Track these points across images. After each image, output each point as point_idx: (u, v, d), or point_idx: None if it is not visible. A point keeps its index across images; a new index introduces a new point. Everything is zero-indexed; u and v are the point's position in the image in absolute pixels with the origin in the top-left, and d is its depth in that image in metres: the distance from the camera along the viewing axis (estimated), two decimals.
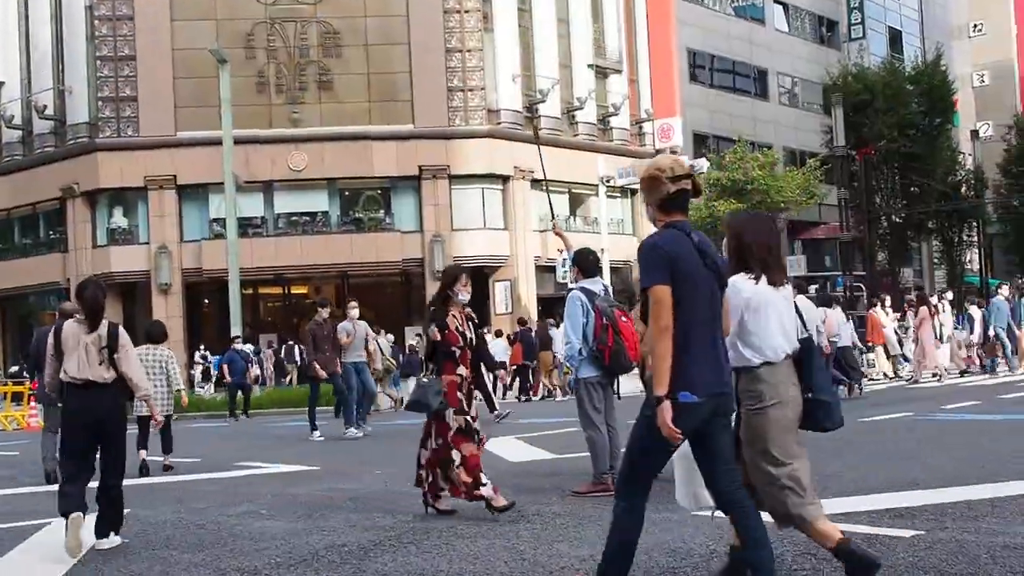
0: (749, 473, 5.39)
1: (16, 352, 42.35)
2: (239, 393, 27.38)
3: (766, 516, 5.34)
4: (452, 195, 40.76)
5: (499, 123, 41.58)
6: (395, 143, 40.13)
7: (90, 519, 8.11)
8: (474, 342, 8.95)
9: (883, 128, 50.95)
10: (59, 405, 8.58)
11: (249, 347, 31.63)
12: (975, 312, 27.26)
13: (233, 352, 27.64)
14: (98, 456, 8.20)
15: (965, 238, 60.49)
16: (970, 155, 60.87)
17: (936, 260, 62.92)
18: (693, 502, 5.74)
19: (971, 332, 27.54)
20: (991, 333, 25.54)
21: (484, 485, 8.49)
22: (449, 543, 7.46)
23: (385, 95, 40.84)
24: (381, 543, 7.59)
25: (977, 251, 59.06)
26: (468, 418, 8.68)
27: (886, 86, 52.60)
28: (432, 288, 39.72)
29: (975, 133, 62.49)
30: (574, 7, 45.60)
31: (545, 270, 41.33)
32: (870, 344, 28.09)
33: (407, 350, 30.69)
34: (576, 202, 44.16)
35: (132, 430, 14.00)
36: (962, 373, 26.13)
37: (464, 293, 8.97)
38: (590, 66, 46.02)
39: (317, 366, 17.74)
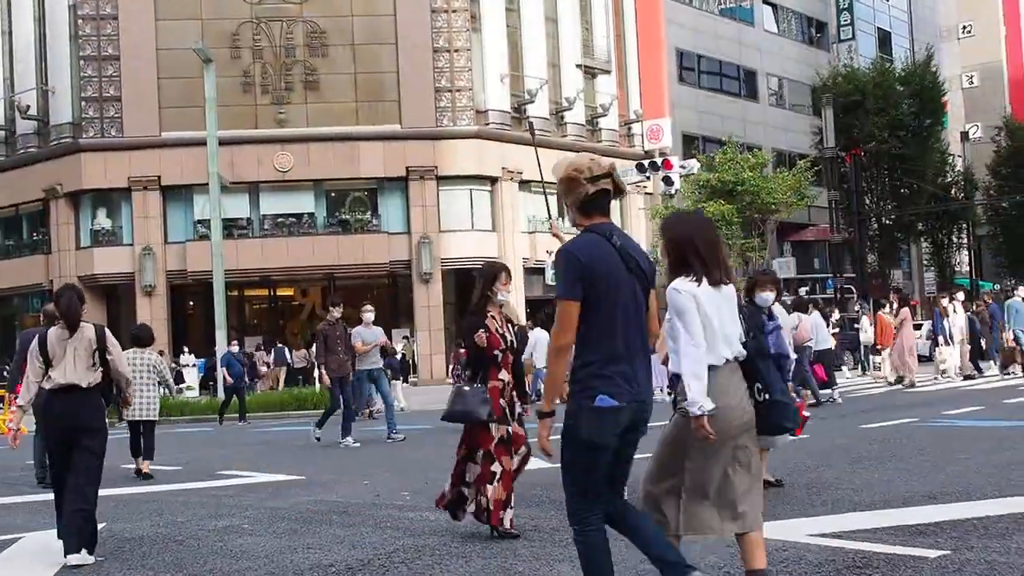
0: (654, 474, 5.26)
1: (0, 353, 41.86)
2: (234, 397, 26.75)
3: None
4: (440, 196, 40.32)
5: (487, 124, 41.18)
6: (382, 144, 39.70)
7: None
8: (515, 345, 8.23)
9: (874, 129, 50.72)
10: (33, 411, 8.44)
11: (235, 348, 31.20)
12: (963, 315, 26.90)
13: (229, 355, 27.04)
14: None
15: (955, 240, 60.42)
16: (960, 157, 60.76)
17: (926, 262, 62.76)
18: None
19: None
20: (1008, 336, 25.31)
21: (512, 507, 7.86)
22: (442, 563, 7.02)
23: (372, 95, 40.43)
24: (370, 562, 7.15)
25: (967, 253, 58.94)
26: (510, 428, 7.98)
27: (876, 87, 52.36)
28: (419, 290, 39.51)
29: (965, 135, 62.40)
30: (562, 7, 45.23)
31: (533, 272, 40.91)
32: (879, 347, 27.71)
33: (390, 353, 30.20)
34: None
35: (123, 435, 13.79)
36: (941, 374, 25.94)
37: (504, 292, 8.26)
38: (578, 66, 45.67)
39: (324, 372, 17.11)
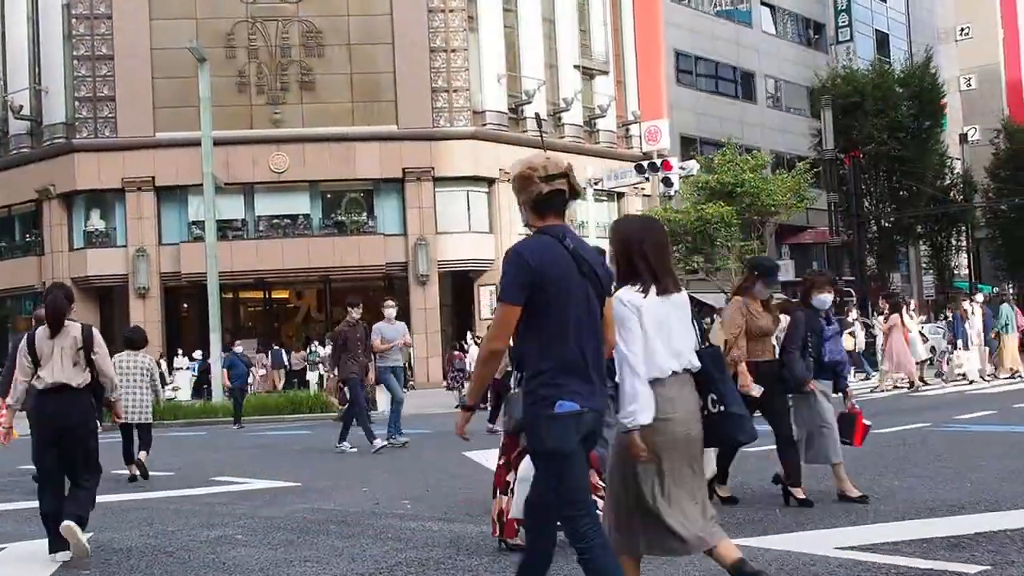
0: (608, 489, 5.11)
1: None
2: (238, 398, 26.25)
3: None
4: (436, 197, 39.94)
5: (484, 124, 40.82)
6: (378, 144, 39.33)
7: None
8: None
9: (873, 131, 50.41)
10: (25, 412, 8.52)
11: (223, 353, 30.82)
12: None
13: (234, 356, 26.58)
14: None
15: (953, 243, 60.16)
16: (958, 159, 60.51)
17: (925, 265, 62.49)
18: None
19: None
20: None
21: None
22: None
23: (368, 95, 40.06)
24: None
25: (966, 256, 58.66)
26: None
27: (876, 88, 52.04)
28: (416, 293, 39.17)
29: (964, 137, 62.12)
30: (560, 7, 44.90)
31: None
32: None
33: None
34: None
35: (115, 439, 13.41)
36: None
37: None
38: (576, 67, 45.35)
39: (336, 377, 16.36)
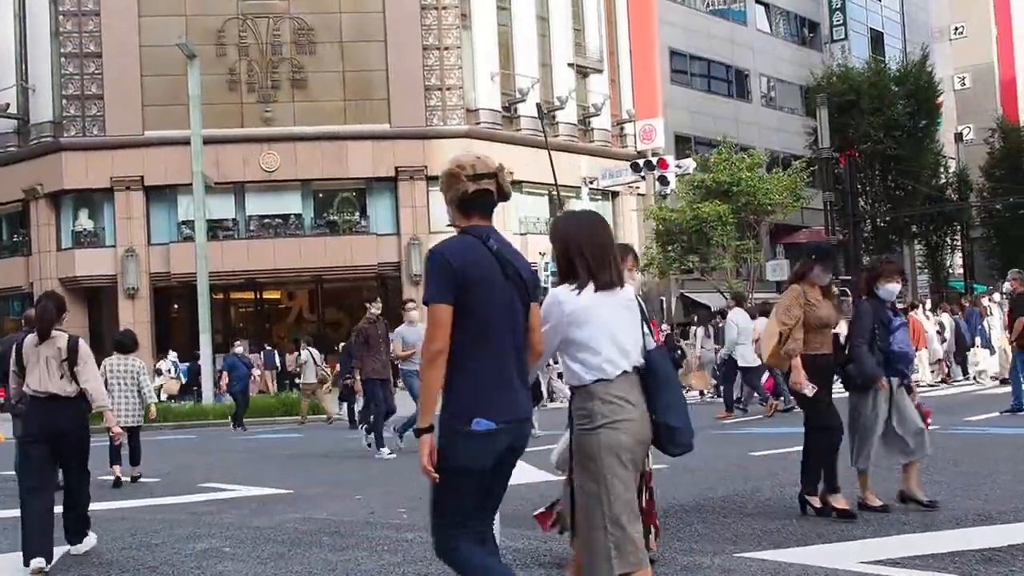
0: (575, 499, 4.80)
1: None
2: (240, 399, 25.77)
3: None
4: (430, 197, 39.42)
5: (478, 123, 40.43)
6: (371, 143, 38.92)
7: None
8: None
9: (869, 129, 50.19)
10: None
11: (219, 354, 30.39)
12: (946, 320, 25.85)
13: (235, 357, 26.02)
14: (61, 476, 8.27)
15: (948, 242, 59.96)
16: (953, 158, 60.29)
17: (920, 264, 62.24)
18: None
19: (943, 341, 26.11)
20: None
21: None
22: None
23: (360, 94, 39.65)
24: None
25: (961, 255, 58.45)
26: None
27: (871, 86, 51.79)
28: (409, 293, 38.61)
29: (959, 136, 61.92)
30: (554, 5, 44.55)
31: None
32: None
33: None
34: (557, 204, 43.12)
35: (103, 443, 12.96)
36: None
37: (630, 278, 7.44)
38: (570, 65, 44.99)
39: (358, 377, 15.78)
